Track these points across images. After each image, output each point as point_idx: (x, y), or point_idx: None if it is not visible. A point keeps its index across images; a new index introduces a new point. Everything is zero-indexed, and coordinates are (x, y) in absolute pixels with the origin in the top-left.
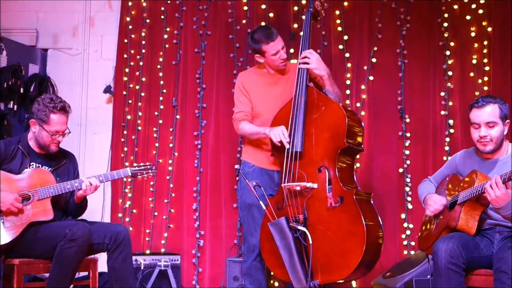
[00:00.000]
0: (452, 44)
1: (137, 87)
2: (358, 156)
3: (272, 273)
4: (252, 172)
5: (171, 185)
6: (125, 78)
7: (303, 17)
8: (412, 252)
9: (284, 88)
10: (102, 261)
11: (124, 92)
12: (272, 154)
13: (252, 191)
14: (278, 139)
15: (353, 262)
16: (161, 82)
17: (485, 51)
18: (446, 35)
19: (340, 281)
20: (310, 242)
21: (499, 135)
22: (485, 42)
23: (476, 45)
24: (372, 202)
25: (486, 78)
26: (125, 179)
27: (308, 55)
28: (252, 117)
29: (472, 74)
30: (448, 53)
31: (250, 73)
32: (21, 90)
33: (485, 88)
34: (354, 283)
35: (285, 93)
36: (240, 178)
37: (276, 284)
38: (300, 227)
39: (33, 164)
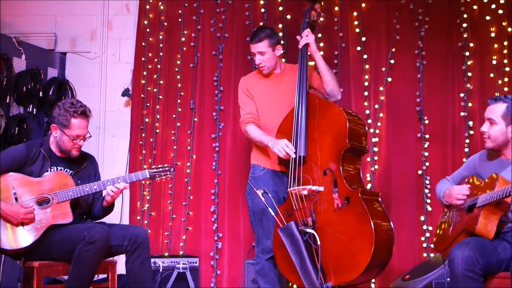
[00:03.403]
0: (471, 44)
1: (155, 90)
2: (370, 159)
3: None
4: (263, 176)
5: (189, 188)
6: (143, 81)
7: (321, 19)
8: (432, 255)
9: (286, 88)
10: (121, 264)
11: (142, 95)
12: (279, 162)
13: (260, 199)
14: (283, 154)
15: (364, 261)
16: (179, 85)
17: (505, 51)
18: (465, 35)
19: (356, 283)
20: (319, 243)
21: (497, 135)
22: (505, 43)
23: (496, 45)
24: (380, 200)
25: (506, 79)
26: (143, 182)
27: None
28: (259, 120)
29: (492, 75)
30: (467, 54)
31: (251, 76)
32: (40, 94)
33: (505, 89)
34: (373, 286)
35: (288, 94)
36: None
37: (295, 286)
38: (308, 230)
39: (54, 168)
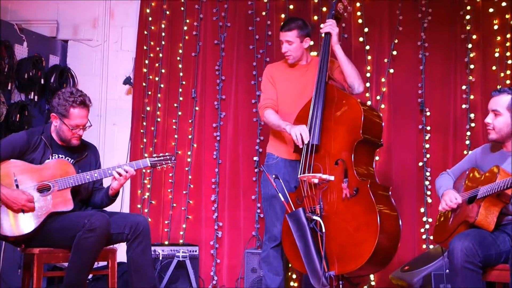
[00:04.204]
0: (474, 37)
1: (157, 78)
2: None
3: (290, 265)
4: (276, 164)
5: (190, 177)
6: (145, 70)
7: (324, 9)
8: (431, 246)
9: (310, 80)
10: (121, 251)
11: (144, 84)
12: (294, 150)
13: (271, 183)
14: (297, 138)
15: (367, 251)
16: (181, 74)
17: (508, 44)
18: (468, 27)
19: (358, 275)
20: (323, 230)
21: (502, 126)
22: (508, 35)
23: (498, 38)
24: (390, 194)
25: (508, 72)
26: (144, 170)
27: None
28: (277, 106)
29: (494, 68)
30: (470, 46)
31: (277, 65)
32: (42, 81)
33: (508, 81)
34: (372, 277)
35: (310, 85)
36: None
37: (294, 276)
38: (315, 217)
39: (55, 156)
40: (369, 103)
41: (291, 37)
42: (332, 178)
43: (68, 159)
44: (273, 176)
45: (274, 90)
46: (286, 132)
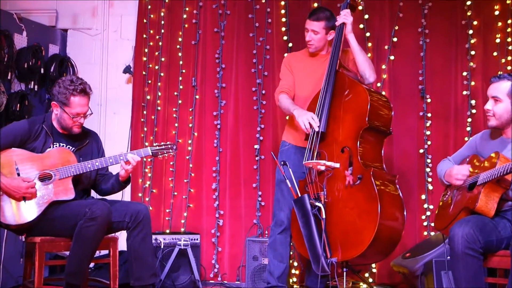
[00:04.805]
0: (475, 23)
1: (157, 67)
2: None
3: (291, 253)
4: (287, 151)
5: (191, 165)
6: (145, 58)
7: None
8: (432, 233)
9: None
10: (122, 240)
11: (144, 72)
12: (305, 138)
13: (279, 169)
14: (305, 127)
15: (367, 238)
16: (181, 62)
17: (509, 30)
18: (469, 13)
19: (359, 264)
20: (324, 216)
21: (502, 112)
22: (509, 21)
23: (500, 23)
24: (396, 182)
25: (509, 58)
26: (145, 159)
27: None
28: (293, 93)
29: (495, 54)
30: (470, 32)
31: (297, 54)
32: (42, 71)
33: (509, 67)
34: (373, 264)
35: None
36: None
37: (296, 264)
38: (317, 203)
39: (56, 144)
40: None
41: (317, 27)
42: (337, 165)
43: (69, 148)
44: (282, 162)
45: (291, 77)
46: (294, 117)
